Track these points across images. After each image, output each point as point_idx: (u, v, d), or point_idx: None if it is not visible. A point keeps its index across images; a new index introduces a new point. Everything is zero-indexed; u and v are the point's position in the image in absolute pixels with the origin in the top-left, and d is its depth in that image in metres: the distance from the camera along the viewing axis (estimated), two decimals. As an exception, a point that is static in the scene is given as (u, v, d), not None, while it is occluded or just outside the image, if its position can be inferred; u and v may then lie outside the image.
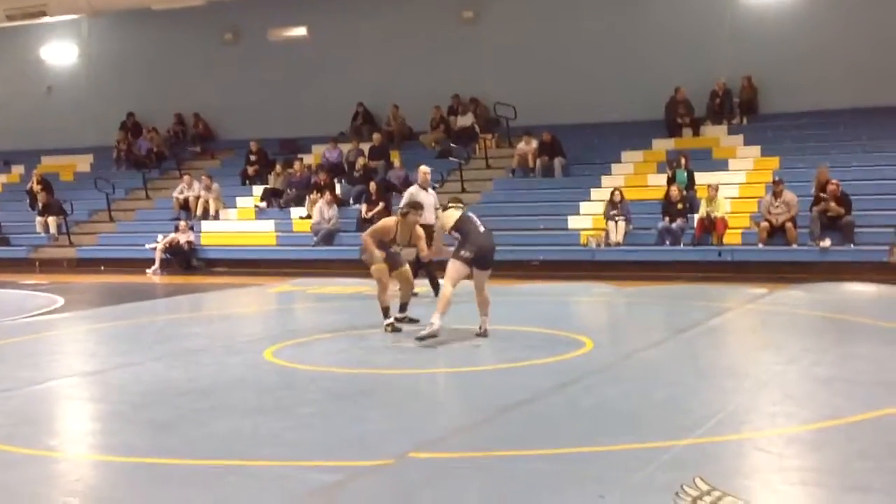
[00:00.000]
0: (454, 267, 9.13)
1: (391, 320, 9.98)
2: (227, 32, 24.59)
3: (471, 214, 9.53)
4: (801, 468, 5.14)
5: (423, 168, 13.63)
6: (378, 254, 10.00)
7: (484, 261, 9.28)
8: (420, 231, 10.26)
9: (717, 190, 16.85)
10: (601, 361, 8.22)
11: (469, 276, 9.37)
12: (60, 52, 26.69)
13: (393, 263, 10.20)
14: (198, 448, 5.71)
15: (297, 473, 5.15)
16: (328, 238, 19.52)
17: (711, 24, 20.36)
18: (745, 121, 20.01)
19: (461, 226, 9.28)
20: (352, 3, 23.11)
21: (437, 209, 12.65)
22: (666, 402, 6.68)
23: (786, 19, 19.87)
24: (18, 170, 26.37)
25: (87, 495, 4.94)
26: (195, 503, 4.74)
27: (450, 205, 9.80)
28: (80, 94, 26.48)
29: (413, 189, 13.20)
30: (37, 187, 23.28)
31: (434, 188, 19.27)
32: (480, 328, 9.45)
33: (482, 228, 9.30)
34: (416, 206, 10.50)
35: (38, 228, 22.65)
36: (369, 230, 10.39)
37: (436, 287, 12.26)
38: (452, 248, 9.39)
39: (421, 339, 8.89)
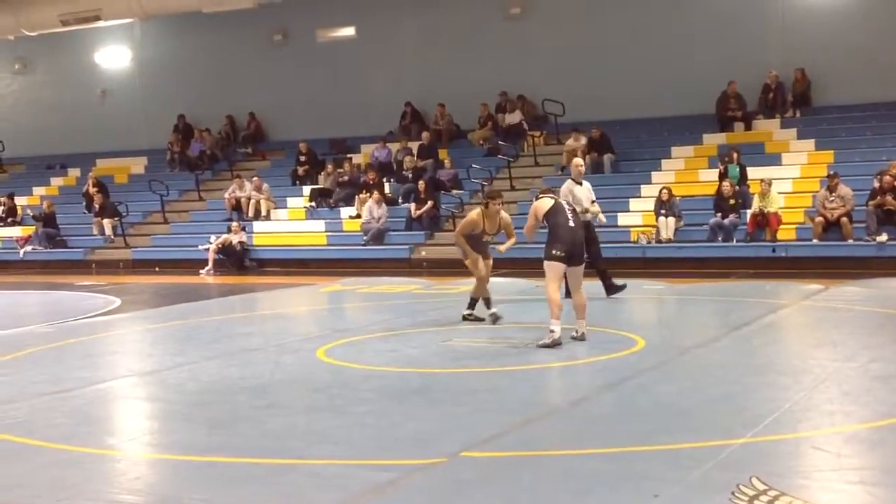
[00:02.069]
0: (550, 269, 8.86)
1: (494, 310, 10.26)
2: (276, 34, 24.81)
3: (563, 204, 9.21)
4: (859, 467, 5.06)
5: (577, 160, 12.80)
6: (469, 248, 10.24)
7: (575, 256, 8.98)
8: (507, 217, 10.40)
9: (770, 185, 16.63)
10: (654, 359, 8.16)
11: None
12: (114, 56, 27.13)
13: (484, 253, 10.35)
14: (254, 446, 5.77)
15: (351, 472, 5.19)
16: (378, 237, 19.60)
17: (763, 15, 20.09)
18: (798, 114, 19.72)
19: (550, 217, 9.04)
20: (399, 1, 23.18)
21: (593, 202, 12.25)
22: (721, 401, 6.62)
23: (839, 9, 19.54)
24: (74, 173, 26.85)
25: (147, 493, 5.02)
26: (252, 501, 4.79)
27: (541, 195, 9.49)
28: (134, 97, 26.89)
29: (567, 184, 12.29)
30: (92, 190, 23.69)
31: (483, 187, 19.34)
32: (577, 332, 9.06)
33: (571, 223, 8.98)
34: (493, 195, 10.38)
35: (95, 230, 23.06)
36: (458, 228, 10.56)
37: (608, 287, 12.13)
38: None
39: (542, 346, 8.72)
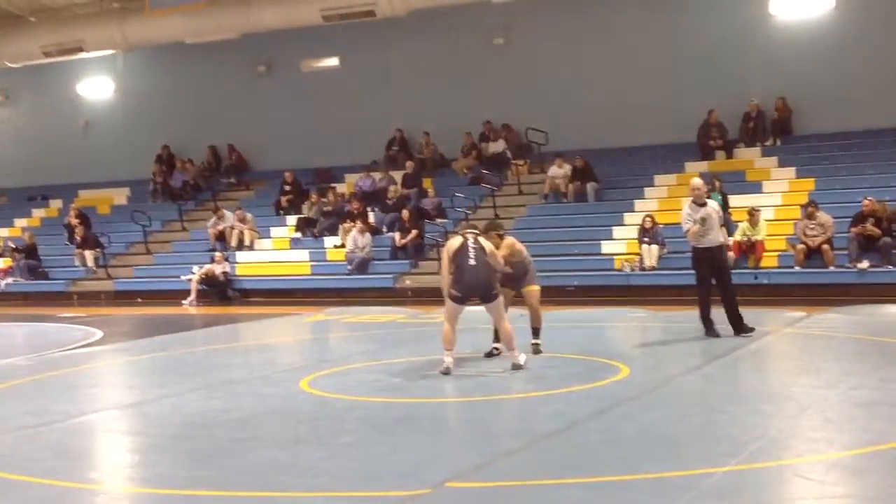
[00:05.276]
0: (446, 307, 9.20)
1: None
2: (260, 65, 24.86)
3: (468, 244, 9.17)
4: (843, 495, 5.06)
5: (695, 182, 11.44)
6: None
7: (478, 296, 9.16)
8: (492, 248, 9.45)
9: (759, 212, 16.72)
10: (638, 387, 8.16)
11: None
12: (96, 88, 27.06)
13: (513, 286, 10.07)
14: (236, 479, 5.73)
15: (334, 504, 5.15)
16: (362, 266, 19.58)
17: (744, 45, 20.23)
18: (778, 142, 19.86)
19: (456, 257, 9.17)
20: (383, 32, 23.26)
21: (722, 226, 11.42)
22: (705, 428, 6.62)
23: (819, 39, 19.72)
24: (56, 204, 26.74)
25: (128, 528, 4.97)
26: (234, 535, 4.75)
27: (459, 231, 9.63)
28: (117, 128, 26.83)
29: (686, 208, 11.32)
30: (74, 221, 23.58)
31: (467, 216, 19.34)
32: (514, 364, 9.17)
33: (472, 261, 9.06)
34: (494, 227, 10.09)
35: (76, 262, 22.93)
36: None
37: (737, 326, 11.07)
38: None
39: (442, 372, 8.99)
